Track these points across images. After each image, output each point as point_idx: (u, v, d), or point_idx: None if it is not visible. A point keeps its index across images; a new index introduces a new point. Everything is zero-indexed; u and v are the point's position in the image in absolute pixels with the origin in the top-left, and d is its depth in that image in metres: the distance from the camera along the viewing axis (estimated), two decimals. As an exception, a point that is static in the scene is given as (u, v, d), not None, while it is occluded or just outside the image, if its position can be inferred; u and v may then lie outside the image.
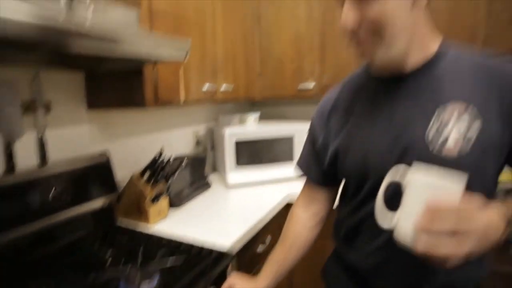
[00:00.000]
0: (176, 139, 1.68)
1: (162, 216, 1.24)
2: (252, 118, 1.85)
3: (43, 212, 0.95)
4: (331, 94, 0.81)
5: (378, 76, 0.70)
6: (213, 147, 1.95)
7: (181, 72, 1.22)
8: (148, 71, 1.07)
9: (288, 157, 1.71)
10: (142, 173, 1.20)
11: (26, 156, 1.02)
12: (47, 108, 1.08)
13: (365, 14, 0.58)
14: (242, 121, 1.84)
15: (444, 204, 0.48)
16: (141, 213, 1.19)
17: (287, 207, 1.54)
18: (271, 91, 1.86)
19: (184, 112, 1.74)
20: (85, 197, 1.08)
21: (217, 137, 1.83)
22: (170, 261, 0.91)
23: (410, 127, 0.63)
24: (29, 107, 1.02)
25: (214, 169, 1.94)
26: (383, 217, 0.58)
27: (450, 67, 0.63)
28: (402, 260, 0.66)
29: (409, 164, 0.59)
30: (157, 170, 1.16)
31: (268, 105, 2.21)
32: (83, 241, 1.05)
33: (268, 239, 1.32)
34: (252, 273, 1.23)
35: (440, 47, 0.65)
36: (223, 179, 1.71)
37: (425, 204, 0.48)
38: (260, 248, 1.27)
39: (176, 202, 1.36)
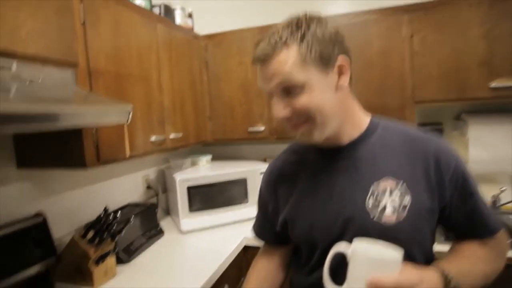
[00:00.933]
0: (124, 187, 1.60)
1: (110, 276, 1.15)
2: (204, 160, 1.85)
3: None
4: (276, 163, 0.85)
5: (318, 148, 0.74)
6: (165, 190, 1.89)
7: (125, 128, 1.19)
8: (88, 131, 1.02)
9: (242, 199, 1.71)
10: (85, 233, 1.12)
11: None
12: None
13: (294, 105, 0.63)
14: (194, 164, 1.83)
15: (384, 280, 0.52)
16: (84, 276, 1.10)
17: (245, 250, 1.53)
18: (222, 134, 1.89)
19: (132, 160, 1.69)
20: (18, 265, 0.98)
21: (169, 180, 1.78)
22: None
23: (351, 197, 0.68)
24: None
25: (167, 212, 1.87)
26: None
27: (381, 138, 0.71)
28: None
29: (354, 232, 0.64)
30: (102, 228, 1.09)
31: (220, 146, 2.23)
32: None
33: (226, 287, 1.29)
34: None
35: (371, 121, 0.73)
36: (177, 224, 1.65)
37: (367, 280, 0.53)
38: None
39: (125, 257, 1.27)
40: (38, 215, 1.09)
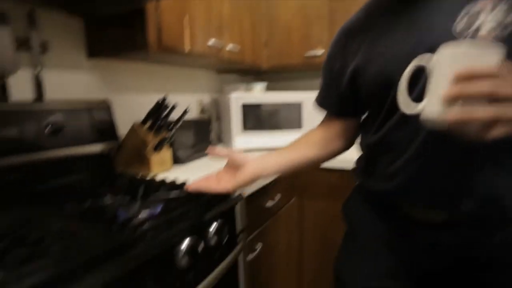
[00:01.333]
0: (180, 104, 1.62)
1: (165, 167, 1.17)
2: (258, 88, 1.79)
3: (37, 147, 0.89)
4: (346, 23, 0.75)
5: None
6: (218, 118, 1.89)
7: (186, 19, 1.17)
8: (150, 12, 1.02)
9: (296, 124, 1.64)
10: (144, 121, 1.14)
11: (21, 93, 0.97)
12: (44, 47, 1.03)
13: None
14: (248, 90, 1.79)
15: (478, 69, 0.41)
16: (142, 163, 1.12)
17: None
18: (278, 60, 1.81)
19: (189, 76, 1.69)
20: (83, 140, 1.02)
21: (223, 106, 1.77)
22: (174, 194, 0.84)
23: (436, 22, 0.56)
24: (23, 44, 0.97)
25: (219, 140, 1.88)
26: (407, 104, 0.51)
27: None
28: (434, 173, 0.58)
29: None
30: (159, 117, 1.10)
31: (275, 77, 2.16)
32: (79, 182, 0.97)
33: (278, 197, 1.25)
34: (260, 228, 1.15)
35: None
36: (229, 144, 1.64)
37: (455, 72, 0.42)
38: (270, 203, 1.19)
39: (179, 158, 1.29)
40: (104, 101, 1.13)
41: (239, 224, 0.89)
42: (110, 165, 1.12)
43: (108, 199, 0.80)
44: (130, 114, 1.31)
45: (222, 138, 1.84)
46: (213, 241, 0.75)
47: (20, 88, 0.96)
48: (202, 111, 1.79)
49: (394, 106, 0.59)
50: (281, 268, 1.40)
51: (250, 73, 2.12)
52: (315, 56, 1.69)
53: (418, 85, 0.55)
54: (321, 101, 0.82)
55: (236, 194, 0.89)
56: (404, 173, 0.62)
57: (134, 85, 1.37)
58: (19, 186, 0.86)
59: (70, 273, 0.47)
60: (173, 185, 0.91)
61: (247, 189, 0.98)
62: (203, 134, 1.54)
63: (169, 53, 1.13)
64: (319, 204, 1.49)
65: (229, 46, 1.44)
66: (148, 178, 1.00)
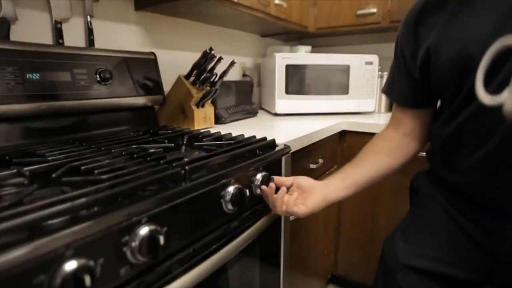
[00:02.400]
0: (223, 65, 1.59)
1: (208, 124, 1.16)
2: (303, 50, 1.70)
3: (87, 93, 0.90)
4: (416, 2, 0.66)
5: None
6: (259, 83, 1.84)
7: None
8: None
9: (343, 90, 1.54)
10: (189, 74, 1.12)
11: (73, 40, 0.98)
12: (96, -4, 1.03)
13: None
14: (293, 52, 1.70)
15: None
16: (185, 117, 1.12)
17: (342, 134, 1.40)
18: (326, 21, 1.69)
19: (233, 38, 1.64)
20: (130, 92, 1.03)
21: (265, 69, 1.71)
22: (217, 145, 0.81)
23: None
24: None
25: (260, 107, 1.83)
26: (485, 93, 0.43)
27: None
28: None
29: None
30: (205, 69, 1.07)
31: (321, 42, 2.04)
32: (125, 131, 0.99)
33: (320, 161, 1.19)
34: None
35: None
36: (271, 108, 1.59)
37: None
38: (313, 166, 1.14)
39: (221, 118, 1.27)
40: (150, 53, 1.12)
41: (284, 180, 0.86)
42: (153, 118, 1.13)
43: (153, 146, 0.80)
44: (174, 70, 1.29)
45: (263, 103, 1.79)
46: (258, 191, 0.72)
47: (73, 35, 0.98)
48: (244, 75, 1.75)
49: (471, 94, 0.49)
50: (319, 233, 1.36)
51: (294, 37, 2.02)
52: (368, 14, 1.55)
53: (503, 70, 0.46)
54: (390, 89, 0.76)
55: (282, 147, 0.85)
56: (480, 169, 0.56)
57: (178, 42, 1.35)
58: (70, 130, 0.89)
59: (119, 199, 0.47)
60: (217, 137, 0.90)
61: (292, 146, 0.94)
62: (244, 96, 1.50)
63: (218, 2, 1.08)
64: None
65: (277, 1, 1.36)
66: (191, 130, 0.99)
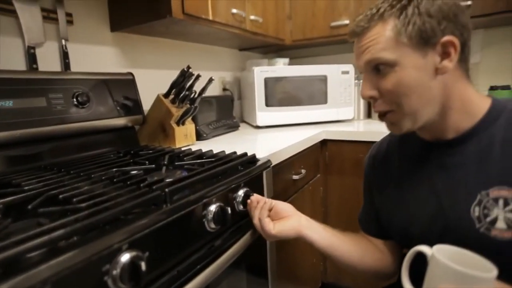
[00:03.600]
0: (202, 82, 1.60)
1: (189, 141, 1.16)
2: (281, 63, 1.74)
3: (64, 117, 0.89)
4: (379, 145, 0.76)
5: (423, 138, 0.64)
6: (240, 97, 1.86)
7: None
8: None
9: (322, 99, 1.58)
10: (168, 92, 1.12)
11: (48, 65, 0.97)
12: (69, 20, 1.02)
13: (381, 85, 0.57)
14: (270, 65, 1.73)
15: None
16: (166, 136, 1.12)
17: (323, 143, 1.43)
18: (302, 34, 1.74)
19: (211, 54, 1.66)
20: (108, 113, 1.02)
21: (245, 82, 1.73)
22: (199, 164, 0.82)
23: (454, 200, 0.57)
24: (49, 16, 0.97)
25: (242, 120, 1.85)
26: (407, 283, 0.54)
27: (502, 131, 0.55)
28: None
29: (454, 239, 0.52)
30: (184, 87, 1.08)
31: (298, 54, 2.09)
32: (105, 153, 0.98)
33: (303, 172, 1.21)
34: (286, 200, 1.13)
35: (491, 108, 0.57)
36: (252, 121, 1.61)
37: None
38: (296, 177, 1.16)
39: (202, 134, 1.27)
40: (128, 74, 1.12)
41: (266, 194, 0.87)
42: (134, 139, 1.12)
43: (133, 168, 0.79)
44: (153, 89, 1.30)
45: (245, 116, 1.81)
46: (240, 207, 0.73)
47: (47, 59, 0.97)
48: (224, 89, 1.77)
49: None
50: (306, 243, 1.37)
51: (272, 50, 2.06)
52: (341, 25, 1.61)
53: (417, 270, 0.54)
54: (363, 223, 0.81)
55: (263, 161, 0.86)
56: None
57: (156, 60, 1.35)
58: (47, 156, 0.87)
59: (99, 227, 0.46)
60: (198, 155, 0.90)
61: (274, 159, 0.95)
62: (225, 110, 1.52)
63: (193, 21, 1.10)
64: (344, 179, 1.44)
65: (252, 17, 1.39)
66: (172, 149, 0.99)
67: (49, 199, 0.57)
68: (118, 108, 1.05)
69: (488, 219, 0.53)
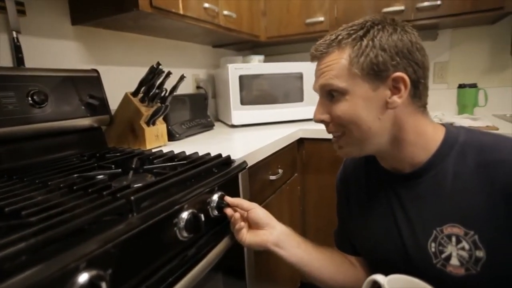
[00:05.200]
0: (173, 80, 1.53)
1: (161, 142, 1.10)
2: (256, 60, 1.70)
3: (19, 119, 0.81)
4: (349, 163, 0.77)
5: (384, 167, 0.65)
6: (214, 95, 1.80)
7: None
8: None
9: (298, 97, 1.56)
10: (136, 91, 1.06)
11: (-1, 60, 0.88)
12: (20, 10, 0.92)
13: (332, 111, 0.58)
14: (245, 63, 1.69)
15: None
16: (136, 137, 1.05)
17: (300, 142, 1.41)
18: (276, 30, 1.71)
19: (184, 51, 1.60)
20: (71, 113, 0.94)
21: (219, 80, 1.68)
22: (170, 167, 0.77)
23: (412, 234, 0.59)
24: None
25: (216, 118, 1.80)
26: None
27: (454, 165, 0.56)
28: None
29: (414, 270, 0.54)
30: (153, 85, 1.01)
31: (273, 51, 2.06)
32: (67, 158, 0.90)
33: (280, 171, 1.18)
34: (264, 203, 1.10)
35: (445, 140, 0.58)
36: (227, 120, 1.57)
37: None
38: (273, 177, 1.13)
39: (175, 134, 1.21)
40: (93, 70, 1.04)
41: (242, 196, 0.83)
42: (101, 140, 1.04)
43: (97, 173, 0.73)
44: (121, 88, 1.22)
45: (220, 115, 1.76)
46: (215, 212, 0.69)
47: (-4, 54, 0.87)
48: (198, 87, 1.71)
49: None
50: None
51: (246, 47, 2.02)
52: (316, 22, 1.60)
53: None
54: (337, 240, 0.81)
55: (239, 163, 0.82)
56: None
57: (123, 57, 1.27)
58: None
59: (51, 245, 0.41)
60: (169, 157, 0.85)
61: (250, 160, 0.92)
62: (199, 109, 1.46)
63: (162, 15, 1.03)
64: (321, 178, 1.43)
65: (225, 12, 1.34)
66: (141, 151, 0.93)
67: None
68: (82, 107, 0.97)
69: (443, 255, 0.55)
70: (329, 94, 0.58)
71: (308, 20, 1.61)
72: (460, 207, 0.54)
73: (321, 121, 0.61)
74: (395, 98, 0.54)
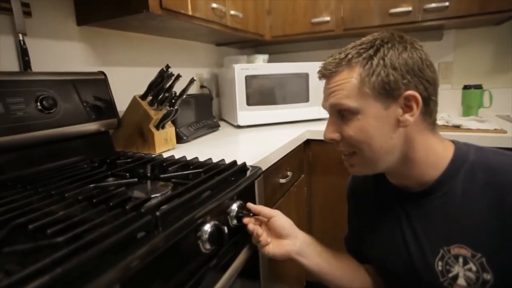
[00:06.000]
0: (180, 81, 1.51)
1: (170, 145, 1.08)
2: (261, 59, 1.68)
3: (28, 125, 0.78)
4: (350, 182, 0.79)
5: (392, 183, 0.65)
6: (218, 94, 1.78)
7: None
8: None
9: (303, 98, 1.55)
10: (145, 94, 1.04)
11: (4, 64, 0.85)
12: (26, 11, 0.89)
13: (343, 131, 0.58)
14: (250, 62, 1.67)
15: None
16: (145, 141, 1.03)
17: (306, 143, 1.40)
18: (281, 30, 1.69)
19: (187, 49, 1.57)
20: (78, 118, 0.92)
21: (224, 80, 1.66)
22: (187, 176, 0.75)
23: (420, 252, 0.59)
24: (2, 6, 0.84)
25: (220, 118, 1.78)
26: None
27: (463, 184, 0.55)
28: None
29: (422, 286, 0.57)
30: (163, 88, 0.99)
31: (277, 50, 2.04)
32: (77, 163, 0.88)
33: (289, 174, 1.18)
34: (274, 205, 1.09)
35: (454, 159, 0.58)
36: (232, 120, 1.55)
37: None
38: (283, 181, 1.12)
39: (183, 137, 1.20)
40: (99, 73, 1.02)
41: (258, 203, 0.82)
42: (109, 145, 1.02)
43: (113, 183, 0.71)
44: (127, 89, 1.19)
45: (224, 115, 1.74)
46: (234, 222, 0.68)
47: (2, 57, 0.84)
48: (202, 86, 1.68)
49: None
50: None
51: (250, 45, 2.00)
52: (322, 22, 1.58)
53: None
54: (348, 247, 0.82)
55: (254, 170, 0.81)
56: None
57: (129, 57, 1.25)
58: (8, 169, 0.76)
59: (85, 268, 0.39)
60: (183, 164, 0.83)
61: (262, 165, 0.91)
62: (204, 110, 1.44)
63: (172, 16, 1.01)
64: (328, 179, 1.43)
65: (232, 11, 1.32)
66: (152, 156, 0.92)
67: (15, 229, 0.48)
68: (90, 111, 0.95)
69: (450, 275, 0.55)
70: (340, 113, 0.58)
71: (314, 20, 1.59)
72: (468, 228, 0.54)
73: (332, 140, 0.61)
74: (407, 116, 0.54)
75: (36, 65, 0.91)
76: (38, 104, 0.82)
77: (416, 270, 0.59)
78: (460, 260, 0.54)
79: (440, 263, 0.56)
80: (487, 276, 0.52)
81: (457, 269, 0.54)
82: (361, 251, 0.75)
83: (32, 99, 0.81)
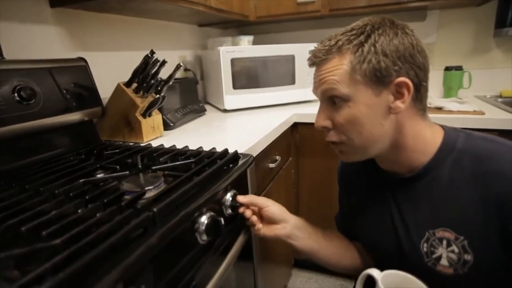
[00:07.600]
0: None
1: (157, 133, 1.06)
2: (245, 41, 1.65)
3: (6, 118, 0.74)
4: (342, 162, 0.80)
5: (381, 167, 0.67)
6: (202, 77, 1.74)
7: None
8: None
9: (289, 80, 1.54)
10: (130, 81, 1.00)
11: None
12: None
13: (334, 118, 0.58)
14: (234, 44, 1.64)
15: None
16: (132, 129, 1.01)
17: (293, 126, 1.41)
18: (266, 10, 1.65)
19: (168, 31, 1.51)
20: (60, 107, 0.88)
21: (208, 62, 1.62)
22: (179, 166, 0.74)
23: (407, 233, 0.62)
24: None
25: (205, 101, 1.75)
26: None
27: (450, 171, 0.57)
28: None
29: (408, 267, 0.57)
30: (148, 74, 0.96)
31: (261, 30, 2.00)
32: (61, 156, 0.85)
33: (278, 158, 1.19)
34: (264, 190, 1.11)
35: (443, 144, 0.59)
36: (219, 104, 1.53)
37: None
38: (272, 165, 1.14)
39: (169, 124, 1.17)
40: (79, 58, 0.97)
41: (250, 191, 0.83)
42: (93, 134, 0.99)
43: (103, 177, 0.69)
44: (109, 75, 1.15)
45: (209, 98, 1.71)
46: (229, 211, 0.69)
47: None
48: (185, 69, 1.64)
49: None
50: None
51: (233, 26, 1.94)
52: (308, 2, 1.55)
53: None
54: (339, 226, 0.85)
55: (245, 158, 0.81)
56: None
57: (107, 41, 1.18)
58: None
59: (86, 270, 0.39)
60: (174, 154, 0.82)
61: (253, 152, 0.91)
62: (190, 94, 1.41)
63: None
64: (315, 161, 1.46)
65: (216, -8, 1.27)
66: (141, 146, 0.90)
67: (7, 231, 0.47)
68: (72, 100, 0.91)
69: (434, 256, 0.58)
70: (331, 100, 0.58)
71: (300, 0, 1.55)
72: (453, 213, 0.57)
73: (323, 127, 0.61)
74: (398, 103, 0.55)
75: (8, 52, 0.85)
76: (16, 95, 0.77)
77: (403, 251, 0.62)
78: (444, 242, 0.57)
79: (425, 245, 0.59)
80: (468, 257, 0.55)
81: (441, 250, 0.58)
82: (352, 230, 0.78)
83: (8, 90, 0.76)
